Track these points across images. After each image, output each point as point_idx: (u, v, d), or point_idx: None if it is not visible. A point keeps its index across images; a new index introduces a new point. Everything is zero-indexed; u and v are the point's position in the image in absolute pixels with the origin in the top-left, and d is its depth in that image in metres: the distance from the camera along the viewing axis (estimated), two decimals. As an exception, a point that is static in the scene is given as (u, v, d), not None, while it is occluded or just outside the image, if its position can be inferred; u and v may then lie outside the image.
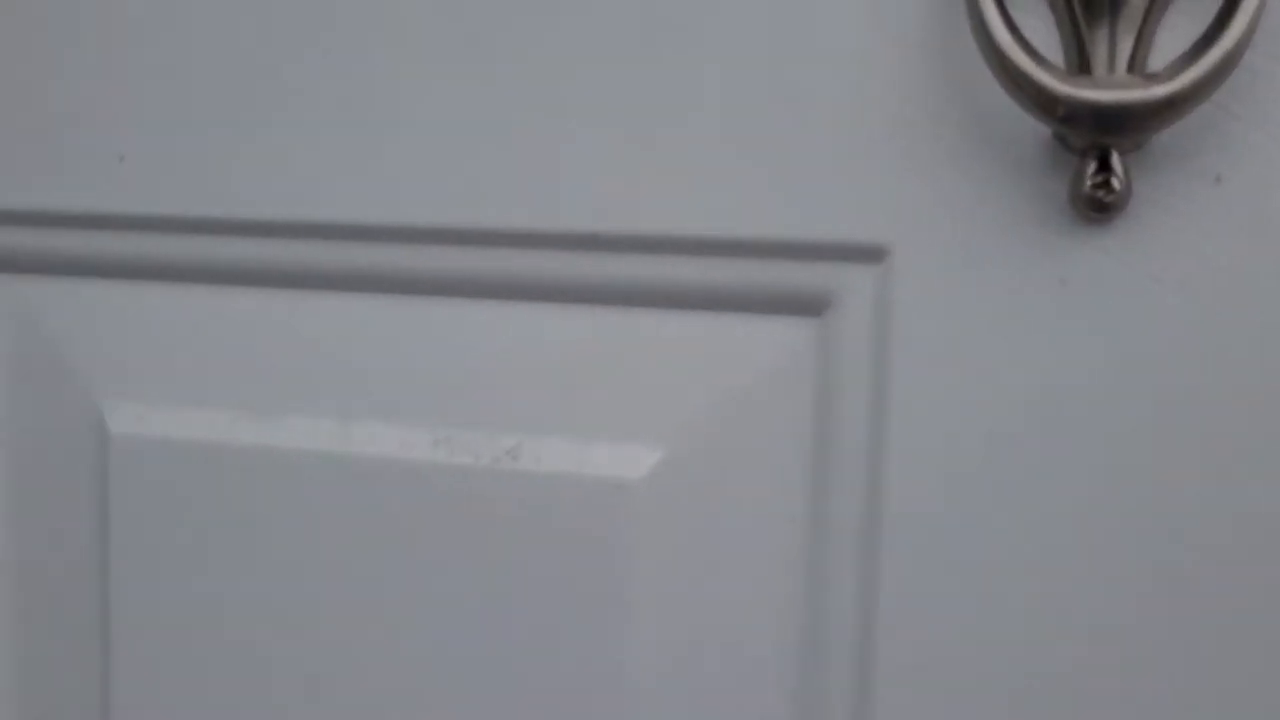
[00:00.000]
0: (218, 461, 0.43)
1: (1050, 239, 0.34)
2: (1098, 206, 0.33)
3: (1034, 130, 0.34)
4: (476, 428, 0.41)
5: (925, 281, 0.36)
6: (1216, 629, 0.34)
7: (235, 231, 0.42)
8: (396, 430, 0.42)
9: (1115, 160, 0.32)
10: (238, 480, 0.43)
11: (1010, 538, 0.36)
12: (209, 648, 0.43)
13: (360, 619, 0.42)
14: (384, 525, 0.42)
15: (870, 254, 0.37)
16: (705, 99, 0.37)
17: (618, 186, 0.38)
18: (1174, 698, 0.34)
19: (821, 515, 0.38)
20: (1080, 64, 0.33)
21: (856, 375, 0.37)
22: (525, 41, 0.39)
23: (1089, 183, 0.32)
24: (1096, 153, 0.32)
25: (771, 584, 0.39)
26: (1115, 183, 0.32)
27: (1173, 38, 0.33)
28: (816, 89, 0.36)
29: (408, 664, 0.41)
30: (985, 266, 0.35)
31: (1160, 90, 0.30)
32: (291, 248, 0.42)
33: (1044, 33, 0.33)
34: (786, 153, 0.37)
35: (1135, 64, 0.32)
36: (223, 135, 0.42)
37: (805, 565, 0.39)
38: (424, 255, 0.41)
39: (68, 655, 0.46)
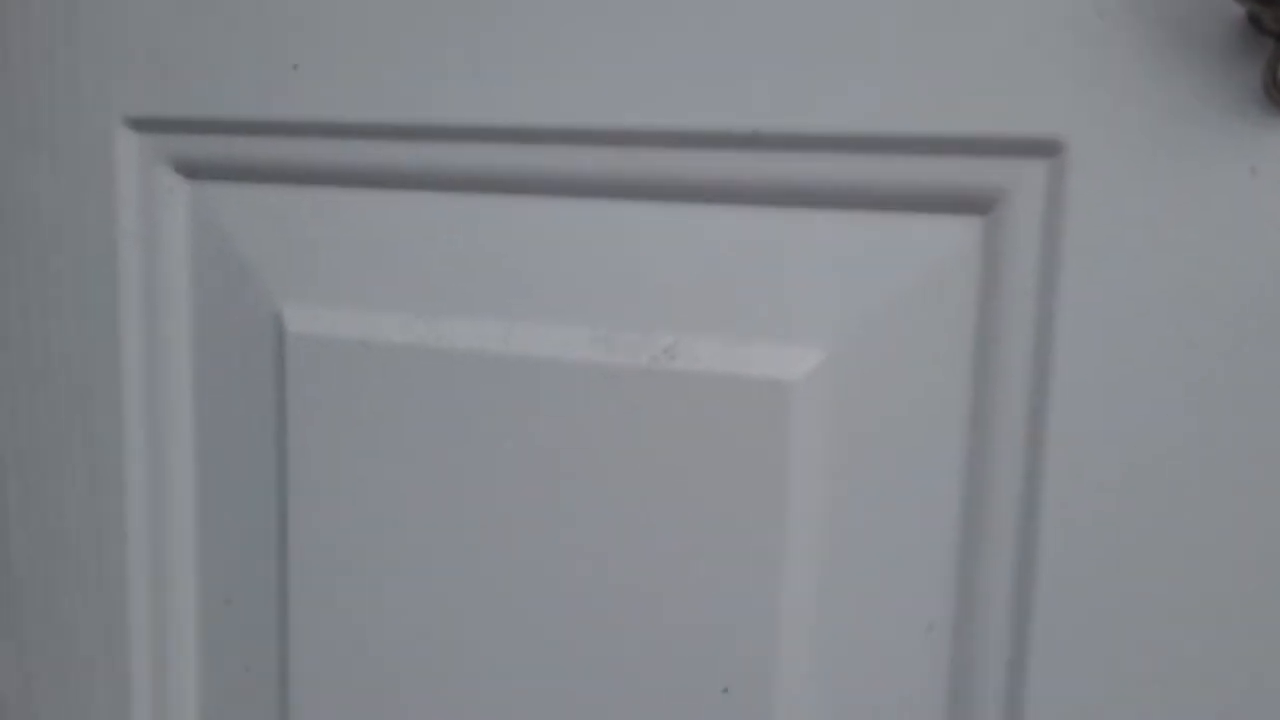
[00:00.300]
0: (387, 360, 0.45)
1: (1240, 127, 0.33)
2: (1294, 91, 0.31)
3: (1225, 12, 0.32)
4: (634, 327, 0.42)
5: (1103, 175, 0.35)
6: None
7: (403, 136, 0.43)
8: (556, 330, 0.43)
9: (1316, 41, 0.31)
10: (405, 378, 0.44)
11: (1186, 444, 0.35)
12: (376, 531, 0.46)
13: (519, 511, 0.43)
14: (543, 421, 0.43)
15: (1043, 148, 0.35)
16: (873, -10, 0.36)
17: (780, 84, 0.38)
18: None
19: (983, 416, 0.38)
20: (1281, -62, 0.31)
21: (1024, 274, 0.37)
22: (689, -63, 0.38)
23: (1286, 66, 0.31)
24: (1295, 34, 0.31)
25: (931, 483, 0.39)
26: (1315, 65, 0.31)
27: (1385, -92, 0.31)
28: (991, -24, 0.35)
29: (566, 555, 0.43)
30: (1168, 158, 0.34)
31: (1371, -38, 0.28)
32: (457, 152, 0.43)
33: (1241, -93, 0.32)
34: (954, 43, 0.36)
35: (1342, -63, 0.30)
36: (390, 44, 0.43)
37: (965, 465, 0.38)
38: (586, 157, 0.41)
39: (247, 535, 0.48)
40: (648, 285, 0.41)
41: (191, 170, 0.47)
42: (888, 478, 0.39)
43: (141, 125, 0.47)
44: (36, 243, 0.49)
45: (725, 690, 0.41)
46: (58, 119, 0.48)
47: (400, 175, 0.44)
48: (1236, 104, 0.33)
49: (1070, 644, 0.37)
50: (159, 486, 0.49)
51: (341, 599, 0.46)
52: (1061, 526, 0.36)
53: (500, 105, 0.42)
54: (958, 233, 0.38)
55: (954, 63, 0.36)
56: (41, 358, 0.49)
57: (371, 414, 0.45)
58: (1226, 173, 0.33)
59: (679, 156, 0.40)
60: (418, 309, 0.45)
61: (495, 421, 0.43)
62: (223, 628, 0.49)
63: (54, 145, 0.48)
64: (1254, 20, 0.32)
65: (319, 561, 0.47)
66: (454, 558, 0.44)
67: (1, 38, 0.48)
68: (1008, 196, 0.36)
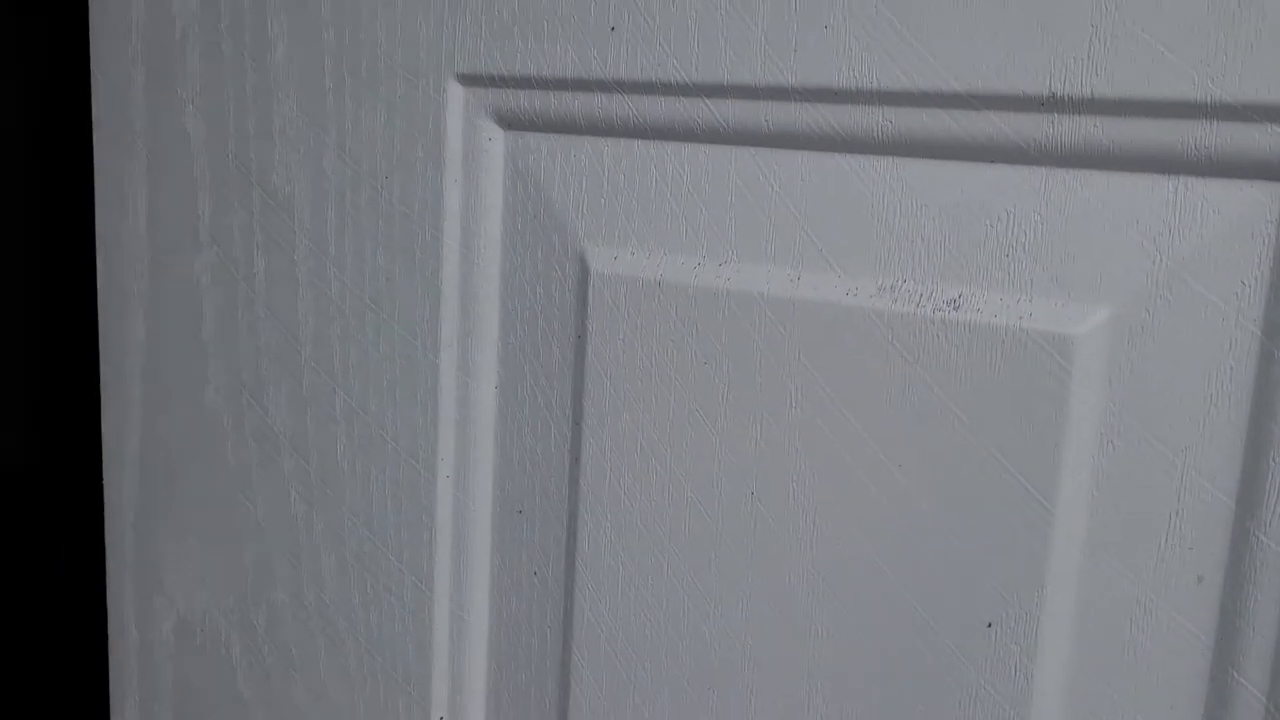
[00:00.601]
0: (680, 298, 0.49)
1: None
2: None
3: None
4: (920, 279, 0.44)
5: None
6: None
7: (704, 94, 0.47)
8: (843, 279, 0.46)
9: None
10: (697, 318, 0.48)
11: None
12: (661, 457, 0.50)
13: (796, 445, 0.47)
14: (824, 362, 0.46)
15: (1355, 117, 0.36)
16: (1187, -40, 0.38)
17: (1074, 47, 0.40)
18: None
19: (1269, 382, 0.39)
20: None
21: (1323, 242, 0.37)
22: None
23: None
24: None
25: (1208, 443, 0.40)
26: None
27: None
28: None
29: (837, 489, 0.46)
30: None
31: None
32: (754, 109, 0.46)
33: None
34: (1260, 6, 0.37)
35: None
36: (698, 8, 0.46)
37: (1247, 428, 0.39)
38: (881, 116, 0.44)
39: (540, 453, 0.54)
40: (936, 239, 0.44)
41: (509, 121, 0.53)
42: (1165, 434, 0.41)
43: (469, 80, 0.52)
44: (371, 184, 0.55)
45: (989, 625, 0.44)
46: (396, 73, 0.54)
47: (700, 129, 0.48)
48: None
49: (1349, 604, 0.38)
50: (465, 404, 0.55)
51: (627, 519, 0.51)
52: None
53: (796, 66, 0.45)
54: (1255, 198, 0.39)
55: (1259, 27, 0.37)
56: (371, 287, 0.56)
57: (662, 348, 0.50)
58: None
59: (975, 118, 0.42)
60: (710, 252, 0.49)
61: (778, 360, 0.47)
62: (514, 534, 0.55)
63: (391, 97, 0.54)
64: None
65: (607, 482, 0.51)
66: (733, 487, 0.48)
67: (355, 3, 0.54)
68: (1313, 164, 0.37)
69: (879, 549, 0.46)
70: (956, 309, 0.43)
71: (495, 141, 0.53)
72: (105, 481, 0.67)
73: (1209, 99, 0.38)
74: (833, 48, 0.44)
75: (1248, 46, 0.37)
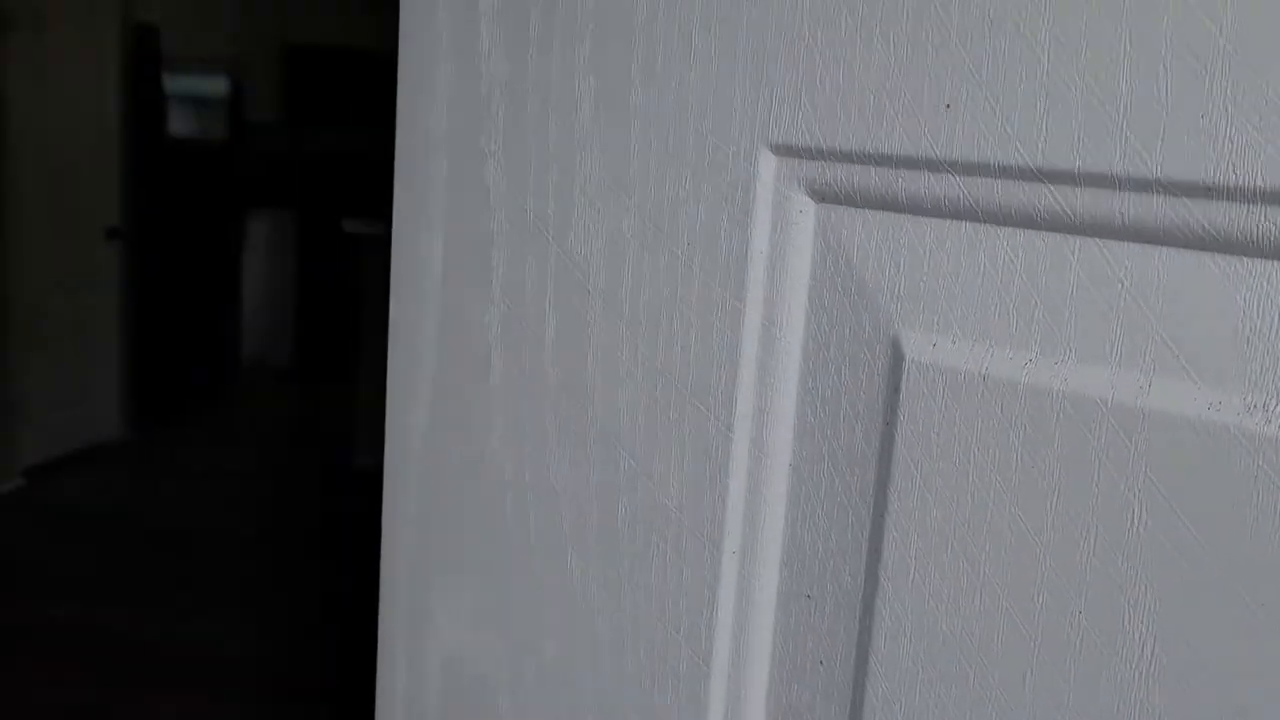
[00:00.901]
0: (1006, 396, 0.45)
1: None
2: None
3: None
4: (1299, 400, 0.40)
5: None
6: None
7: (1049, 179, 0.44)
8: (1203, 391, 0.42)
9: None
10: (1025, 419, 0.45)
11: None
12: (972, 563, 0.47)
13: (1137, 573, 0.43)
14: (1177, 484, 0.42)
15: None
16: None
17: None
18: None
19: None
20: None
21: None
22: None
23: None
24: None
25: None
26: None
27: None
28: None
29: (1184, 624, 0.42)
30: None
31: None
32: (1105, 198, 0.43)
33: None
34: None
35: None
36: (1046, 87, 0.43)
37: None
38: (1258, 215, 0.40)
39: (833, 540, 0.51)
40: (1322, 358, 0.39)
41: (822, 194, 0.50)
42: None
43: (783, 150, 0.50)
44: (670, 249, 0.54)
45: (1366, 795, 0.39)
46: (705, 139, 0.52)
47: (1040, 217, 0.44)
48: None
49: None
50: (756, 481, 0.53)
51: (930, 620, 0.48)
52: None
53: (1163, 158, 0.41)
54: None
55: None
56: (664, 354, 0.55)
57: (982, 446, 0.46)
58: None
59: (1384, 227, 0.37)
60: (1044, 349, 0.45)
61: (1119, 473, 0.43)
62: (800, 620, 0.53)
63: (698, 162, 0.53)
64: None
65: (911, 579, 0.49)
66: (1056, 604, 0.45)
67: (666, 67, 0.53)
68: None
69: (1230, 694, 0.41)
70: (1346, 438, 0.39)
71: (806, 214, 0.51)
72: (384, 516, 0.69)
73: None
74: (1209, 139, 0.40)
75: None
